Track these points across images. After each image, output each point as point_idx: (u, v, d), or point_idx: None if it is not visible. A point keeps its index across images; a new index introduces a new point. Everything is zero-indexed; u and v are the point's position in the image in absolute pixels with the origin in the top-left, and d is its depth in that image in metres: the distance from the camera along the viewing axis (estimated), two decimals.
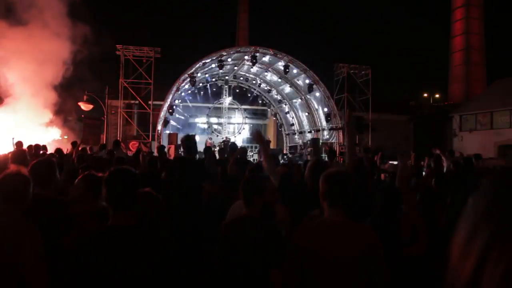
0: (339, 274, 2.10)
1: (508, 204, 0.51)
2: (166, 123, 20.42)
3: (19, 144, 8.66)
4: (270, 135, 29.29)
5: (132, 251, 1.80)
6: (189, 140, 4.72)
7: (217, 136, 26.06)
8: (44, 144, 10.65)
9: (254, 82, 24.98)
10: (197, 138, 22.87)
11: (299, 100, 24.10)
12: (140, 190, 2.22)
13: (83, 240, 1.87)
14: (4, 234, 2.10)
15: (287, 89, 23.90)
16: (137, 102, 20.14)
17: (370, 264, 2.13)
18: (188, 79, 19.71)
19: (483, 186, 0.56)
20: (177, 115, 23.19)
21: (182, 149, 5.16)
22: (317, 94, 21.82)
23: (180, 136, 21.18)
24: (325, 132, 23.12)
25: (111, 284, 1.77)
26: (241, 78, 24.90)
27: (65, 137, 21.85)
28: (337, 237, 2.15)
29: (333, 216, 2.21)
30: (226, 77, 24.65)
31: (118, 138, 19.14)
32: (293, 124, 26.27)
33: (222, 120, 27.14)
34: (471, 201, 0.56)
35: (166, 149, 12.23)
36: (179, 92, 20.53)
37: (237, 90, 26.33)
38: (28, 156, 4.61)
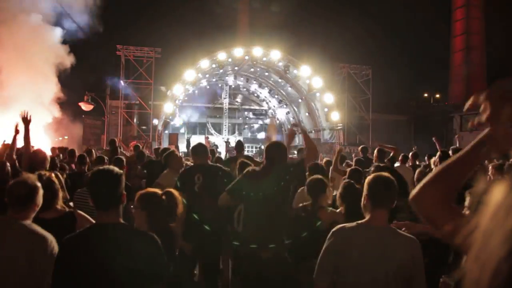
0: (373, 282, 2.05)
1: None
2: (166, 123, 20.42)
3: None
4: (270, 135, 29.28)
5: (117, 247, 1.83)
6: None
7: (217, 136, 26.08)
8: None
9: (254, 82, 24.98)
10: (196, 138, 22.51)
11: (300, 100, 24.10)
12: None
13: (70, 240, 1.89)
14: (16, 241, 2.15)
15: (288, 89, 23.90)
16: (137, 102, 20.15)
17: (408, 274, 2.06)
18: (189, 79, 19.71)
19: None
20: (177, 115, 23.19)
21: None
22: (317, 94, 21.82)
23: (180, 136, 21.23)
24: (326, 132, 23.13)
25: (98, 281, 1.79)
26: (241, 78, 24.90)
27: (65, 137, 21.86)
28: (377, 243, 2.09)
29: (374, 220, 2.15)
30: (226, 77, 24.65)
31: (118, 138, 19.15)
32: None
33: (222, 120, 27.15)
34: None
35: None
36: (179, 92, 20.52)
37: (237, 90, 26.33)
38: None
